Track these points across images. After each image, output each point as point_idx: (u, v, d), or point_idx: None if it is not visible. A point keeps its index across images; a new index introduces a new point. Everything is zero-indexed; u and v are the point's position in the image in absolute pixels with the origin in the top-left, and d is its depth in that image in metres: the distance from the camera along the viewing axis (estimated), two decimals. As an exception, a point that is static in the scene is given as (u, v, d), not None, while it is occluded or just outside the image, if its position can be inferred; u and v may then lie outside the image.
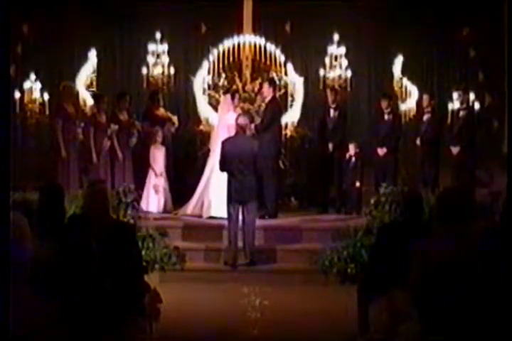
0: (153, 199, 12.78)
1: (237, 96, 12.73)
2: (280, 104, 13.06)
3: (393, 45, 14.91)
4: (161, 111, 13.55)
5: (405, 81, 13.65)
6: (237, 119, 11.17)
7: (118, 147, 12.82)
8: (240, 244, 10.78)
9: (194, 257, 11.01)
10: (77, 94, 12.97)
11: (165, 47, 13.91)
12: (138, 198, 11.43)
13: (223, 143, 11.04)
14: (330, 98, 13.18)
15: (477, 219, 5.89)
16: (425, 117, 13.35)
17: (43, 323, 5.21)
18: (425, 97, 13.36)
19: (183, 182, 13.39)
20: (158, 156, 12.96)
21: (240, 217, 10.78)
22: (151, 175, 12.88)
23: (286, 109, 13.40)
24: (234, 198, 10.72)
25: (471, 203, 5.88)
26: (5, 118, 5.34)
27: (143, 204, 12.37)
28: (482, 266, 5.17)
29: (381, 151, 13.09)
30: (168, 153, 13.27)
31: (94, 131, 12.63)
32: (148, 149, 12.96)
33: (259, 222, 11.20)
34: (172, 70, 13.86)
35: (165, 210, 12.81)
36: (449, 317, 5.15)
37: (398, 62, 13.91)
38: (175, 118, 13.60)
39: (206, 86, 13.59)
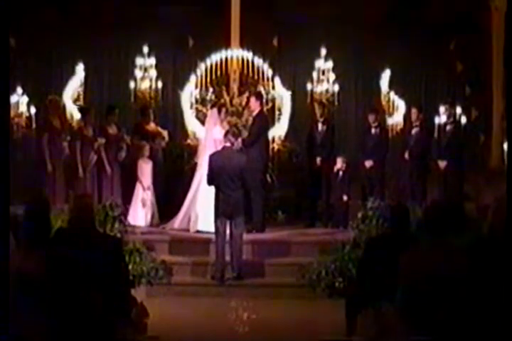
0: (141, 213, 12.75)
1: (223, 110, 12.72)
2: (267, 117, 13.06)
3: (380, 59, 14.94)
4: (152, 126, 13.54)
5: (392, 95, 13.67)
6: (226, 134, 11.20)
7: (106, 161, 12.78)
8: (228, 258, 10.75)
9: (181, 271, 10.97)
10: (63, 108, 12.93)
11: (152, 61, 13.92)
12: (125, 212, 11.39)
13: (211, 157, 11.04)
14: (318, 112, 13.19)
15: (464, 233, 5.90)
16: (414, 131, 13.34)
17: (30, 337, 5.17)
18: (414, 111, 13.35)
19: (170, 196, 13.36)
20: (145, 170, 12.94)
21: (228, 231, 10.75)
22: (138, 189, 12.85)
23: (273, 123, 13.42)
24: (221, 212, 10.70)
25: (459, 217, 5.89)
26: (3, 134, 5.33)
27: (130, 218, 12.33)
28: (470, 280, 5.17)
29: (368, 163, 13.11)
30: (157, 167, 13.24)
31: (80, 144, 12.59)
32: (136, 163, 12.94)
33: (246, 236, 11.18)
34: (160, 84, 13.87)
35: (151, 224, 12.77)
36: (436, 329, 5.14)
37: (385, 76, 13.94)
38: (165, 133, 13.58)
39: (194, 100, 13.60)
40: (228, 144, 11.07)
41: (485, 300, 5.14)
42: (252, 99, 12.78)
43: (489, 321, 5.10)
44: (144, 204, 12.77)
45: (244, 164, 10.91)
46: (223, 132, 11.62)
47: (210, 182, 10.89)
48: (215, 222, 10.77)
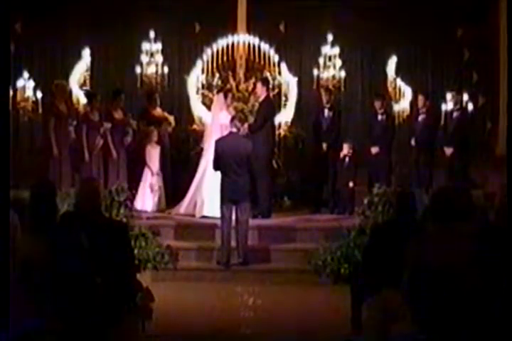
0: (149, 197, 12.77)
1: (229, 95, 12.69)
2: (274, 103, 13.04)
3: (387, 45, 14.90)
4: (158, 111, 13.52)
5: (399, 81, 13.64)
6: (232, 120, 11.18)
7: (112, 145, 12.79)
8: (233, 243, 10.76)
9: (187, 256, 10.99)
10: (70, 93, 12.93)
11: (159, 46, 13.88)
12: (131, 197, 11.40)
13: (217, 142, 11.03)
14: (324, 98, 13.15)
15: (471, 220, 5.89)
16: (420, 117, 13.32)
17: (36, 320, 5.19)
18: (420, 98, 13.33)
19: (176, 181, 13.36)
20: (154, 155, 12.95)
21: (233, 217, 10.76)
22: (147, 174, 12.86)
23: (279, 109, 13.38)
24: (227, 198, 10.70)
25: (465, 204, 5.88)
26: (4, 118, 5.31)
27: (138, 203, 12.38)
28: (475, 267, 5.16)
29: (374, 150, 13.10)
30: (163, 152, 13.24)
31: (86, 129, 12.59)
32: (144, 148, 12.94)
33: (252, 222, 11.18)
34: (166, 69, 13.84)
35: (158, 209, 12.78)
36: (440, 316, 5.14)
37: (392, 62, 13.89)
38: (171, 118, 13.56)
39: (200, 85, 13.56)
40: (234, 130, 11.05)
41: (491, 287, 5.14)
42: (259, 85, 12.77)
43: (495, 307, 5.10)
44: (152, 189, 12.78)
45: (250, 150, 10.91)
46: (229, 117, 11.61)
47: (216, 167, 10.88)
48: (221, 207, 10.77)
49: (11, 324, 5.05)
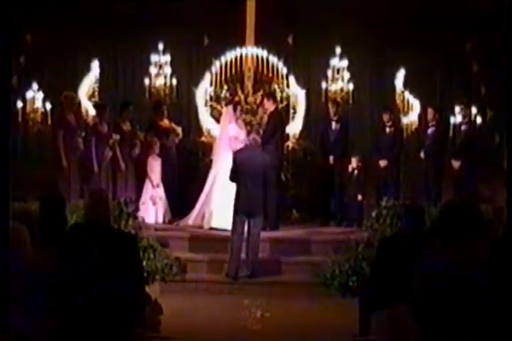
0: (151, 210, 12.75)
1: (238, 107, 12.73)
2: (282, 116, 13.06)
3: (395, 58, 14.89)
4: (165, 122, 13.52)
5: (407, 94, 13.64)
6: (248, 134, 11.23)
7: (120, 157, 12.80)
8: (243, 255, 10.75)
9: (197, 268, 10.99)
10: (79, 104, 12.96)
11: (167, 58, 13.92)
12: (139, 208, 11.40)
13: (235, 153, 11.10)
14: (331, 110, 13.17)
15: (480, 234, 5.87)
16: (430, 130, 13.30)
17: (43, 332, 5.19)
18: (430, 111, 13.31)
19: (185, 193, 13.36)
20: (155, 167, 12.94)
21: (245, 229, 10.74)
22: (148, 186, 12.85)
23: (288, 122, 13.40)
24: (241, 210, 10.70)
25: (474, 218, 5.86)
26: (5, 127, 5.32)
27: (140, 215, 12.34)
28: (485, 282, 5.15)
29: (382, 163, 13.09)
30: (170, 164, 13.24)
31: (95, 141, 12.61)
32: (146, 160, 12.95)
33: (263, 234, 11.17)
34: (174, 81, 13.87)
35: (164, 221, 12.78)
36: (450, 330, 5.13)
37: (400, 75, 13.89)
38: (179, 130, 13.55)
39: (208, 97, 13.60)
40: (253, 142, 11.08)
41: (500, 302, 5.12)
42: (265, 101, 12.85)
43: (504, 323, 5.08)
44: (153, 202, 12.77)
45: (267, 162, 10.98)
46: (238, 129, 11.64)
47: (232, 178, 10.88)
48: (234, 219, 10.76)
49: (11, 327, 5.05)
